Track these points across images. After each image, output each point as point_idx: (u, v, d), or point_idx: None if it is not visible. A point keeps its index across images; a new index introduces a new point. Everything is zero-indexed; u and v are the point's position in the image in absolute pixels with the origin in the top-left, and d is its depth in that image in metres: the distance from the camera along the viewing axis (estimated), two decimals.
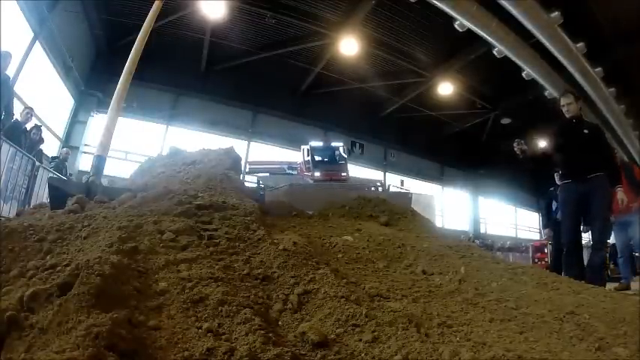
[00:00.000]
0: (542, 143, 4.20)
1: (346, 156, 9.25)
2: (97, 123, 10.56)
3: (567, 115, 3.68)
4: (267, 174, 9.29)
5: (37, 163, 6.21)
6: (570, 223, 3.61)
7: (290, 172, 9.27)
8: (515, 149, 4.05)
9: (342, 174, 7.61)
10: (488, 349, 1.26)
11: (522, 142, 4.10)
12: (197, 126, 12.60)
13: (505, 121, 14.57)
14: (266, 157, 12.30)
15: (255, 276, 1.61)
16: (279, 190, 4.67)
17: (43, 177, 6.12)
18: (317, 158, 8.66)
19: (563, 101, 3.71)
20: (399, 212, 3.57)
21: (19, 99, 6.73)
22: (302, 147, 9.24)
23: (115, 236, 1.56)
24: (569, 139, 3.61)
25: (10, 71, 5.80)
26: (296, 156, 10.74)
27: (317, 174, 7.39)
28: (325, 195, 4.52)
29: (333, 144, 9.54)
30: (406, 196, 5.31)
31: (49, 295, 1.11)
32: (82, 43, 10.36)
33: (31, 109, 6.47)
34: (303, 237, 2.37)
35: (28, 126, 6.43)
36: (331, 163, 8.61)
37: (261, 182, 5.98)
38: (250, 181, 9.59)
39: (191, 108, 12.52)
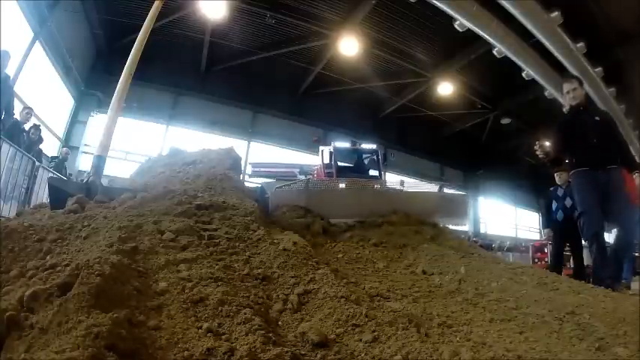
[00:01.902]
0: (550, 141, 3.80)
1: (382, 163, 7.49)
2: (97, 123, 10.53)
3: (573, 102, 3.44)
4: (274, 179, 8.09)
5: (37, 163, 6.19)
6: (596, 210, 3.17)
7: (302, 177, 7.88)
8: (539, 154, 3.61)
9: (375, 186, 6.13)
10: (489, 349, 1.26)
11: (542, 144, 3.65)
12: (197, 126, 12.57)
13: (505, 121, 14.55)
14: (272, 159, 11.52)
15: (255, 276, 1.61)
16: (290, 188, 3.67)
17: (43, 177, 6.11)
18: (341, 164, 7.03)
19: (567, 87, 3.47)
20: None
21: (19, 99, 6.72)
22: (320, 148, 7.64)
23: (115, 236, 1.56)
24: (581, 127, 3.30)
25: (9, 71, 5.80)
26: (305, 158, 9.85)
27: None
28: (356, 200, 3.73)
29: (364, 146, 7.73)
30: (462, 200, 4.22)
31: (49, 295, 1.11)
32: (82, 43, 10.34)
33: (31, 108, 6.46)
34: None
35: (27, 125, 6.42)
36: (360, 172, 6.95)
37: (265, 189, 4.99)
38: (251, 182, 9.26)
39: (191, 108, 12.50)
